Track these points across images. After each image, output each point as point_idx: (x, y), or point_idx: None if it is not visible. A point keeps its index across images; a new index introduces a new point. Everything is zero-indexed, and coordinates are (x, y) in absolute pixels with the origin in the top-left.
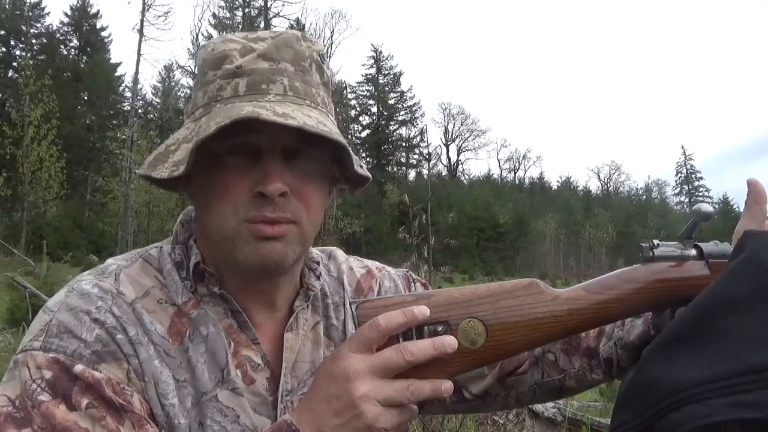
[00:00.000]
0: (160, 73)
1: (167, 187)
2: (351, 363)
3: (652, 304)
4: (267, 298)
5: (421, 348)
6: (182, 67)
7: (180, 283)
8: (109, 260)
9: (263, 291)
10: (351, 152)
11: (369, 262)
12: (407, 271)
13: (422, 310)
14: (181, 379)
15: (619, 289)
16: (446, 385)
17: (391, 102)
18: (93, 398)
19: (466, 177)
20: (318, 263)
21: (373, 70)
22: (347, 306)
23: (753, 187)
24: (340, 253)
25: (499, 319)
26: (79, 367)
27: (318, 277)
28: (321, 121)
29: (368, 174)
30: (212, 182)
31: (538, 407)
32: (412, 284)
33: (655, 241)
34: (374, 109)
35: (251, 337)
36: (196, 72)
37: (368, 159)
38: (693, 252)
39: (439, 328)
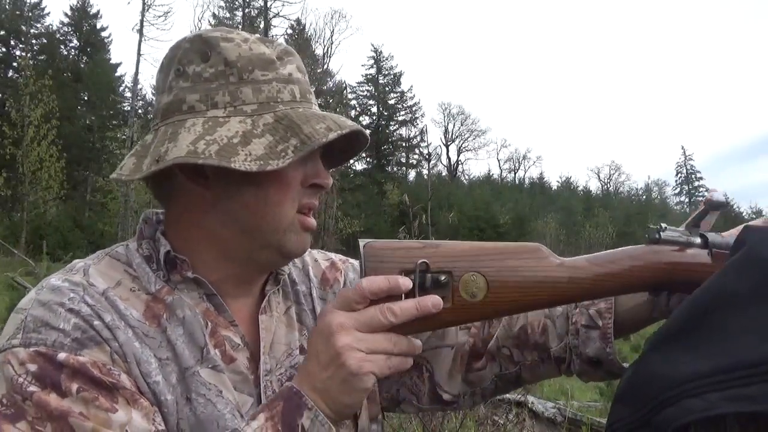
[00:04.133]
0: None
1: (154, 180)
2: (334, 317)
3: (649, 284)
4: (250, 284)
5: (403, 308)
6: None
7: (152, 273)
8: (75, 260)
9: (255, 279)
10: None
11: (332, 255)
12: None
13: (406, 283)
14: (163, 357)
15: (620, 265)
16: (418, 343)
17: (391, 102)
18: (82, 382)
19: (466, 177)
20: None
21: (373, 71)
22: (314, 295)
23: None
24: None
25: (501, 276)
26: (62, 355)
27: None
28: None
29: None
30: (273, 176)
31: (539, 407)
32: None
33: (663, 225)
34: (374, 109)
35: (229, 318)
36: (202, 60)
37: (368, 159)
38: (698, 240)
39: (442, 278)
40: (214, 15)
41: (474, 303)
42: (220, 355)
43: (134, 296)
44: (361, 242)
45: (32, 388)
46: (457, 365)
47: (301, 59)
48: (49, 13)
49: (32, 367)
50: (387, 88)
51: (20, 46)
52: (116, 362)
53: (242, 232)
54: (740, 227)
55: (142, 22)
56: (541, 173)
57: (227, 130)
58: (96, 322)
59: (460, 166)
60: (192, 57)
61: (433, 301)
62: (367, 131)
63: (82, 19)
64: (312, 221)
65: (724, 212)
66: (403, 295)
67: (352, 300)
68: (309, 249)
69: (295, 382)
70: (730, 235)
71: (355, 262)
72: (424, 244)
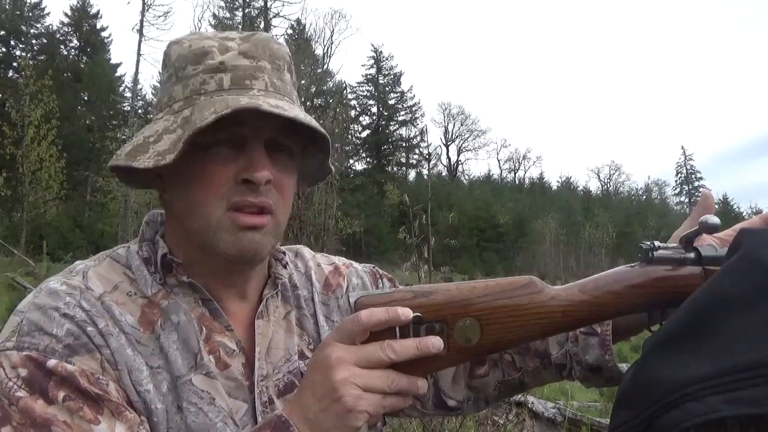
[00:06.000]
0: (159, 73)
1: (137, 183)
2: (333, 350)
3: (645, 306)
4: (238, 289)
5: (404, 347)
6: None
7: (149, 276)
8: (77, 261)
9: (236, 282)
10: (330, 146)
11: (336, 259)
12: (374, 267)
13: (405, 312)
14: (155, 365)
15: (614, 290)
16: (421, 383)
17: (392, 102)
18: (69, 391)
19: (466, 177)
20: (284, 253)
21: (373, 71)
22: (316, 300)
23: (704, 200)
24: (306, 251)
25: (495, 318)
26: (52, 362)
27: (285, 266)
28: (306, 115)
29: (332, 168)
30: (196, 172)
31: (539, 407)
32: (379, 280)
33: (656, 243)
34: (374, 110)
35: (224, 324)
36: (163, 68)
37: (368, 159)
38: (691, 255)
39: (436, 326)
40: (214, 15)
41: (470, 347)
42: (215, 361)
43: (130, 301)
44: (352, 297)
45: (20, 394)
46: (461, 372)
47: (302, 59)
48: (49, 13)
49: (23, 372)
50: (387, 88)
51: (20, 46)
52: (106, 370)
53: (187, 232)
54: (735, 227)
55: (142, 22)
56: (541, 173)
57: (150, 130)
58: (89, 328)
59: (460, 166)
60: (162, 65)
61: (433, 342)
62: (313, 121)
63: (82, 19)
64: (247, 220)
65: (725, 212)
66: (398, 334)
67: (353, 333)
68: (313, 253)
69: (284, 411)
70: (724, 239)
71: (359, 266)
72: (414, 293)
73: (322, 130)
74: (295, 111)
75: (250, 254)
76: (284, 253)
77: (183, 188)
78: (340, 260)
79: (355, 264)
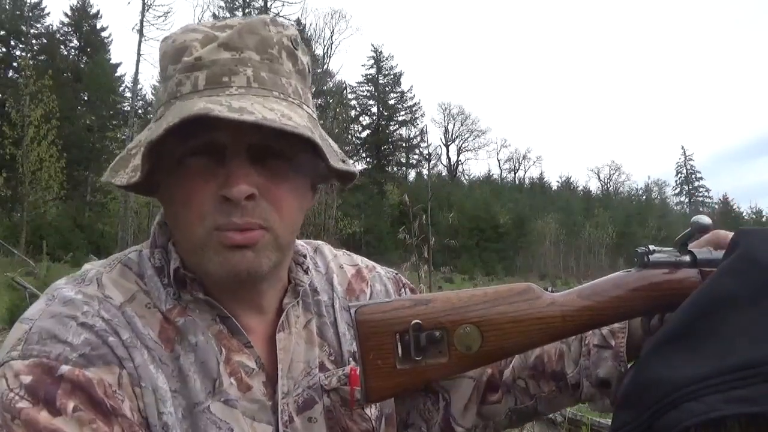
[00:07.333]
0: (160, 73)
1: (142, 192)
2: None
3: (644, 310)
4: (253, 303)
5: None
6: None
7: (163, 289)
8: (86, 266)
9: (246, 297)
10: (328, 145)
11: (359, 260)
12: (396, 274)
13: None
14: (173, 388)
15: (611, 295)
16: None
17: (392, 102)
18: (81, 400)
19: (466, 177)
20: (305, 256)
21: (373, 71)
22: (336, 307)
23: (714, 238)
24: (327, 249)
25: (495, 325)
26: (65, 368)
27: (306, 272)
28: (286, 114)
29: (352, 168)
30: (176, 188)
31: None
32: (402, 289)
33: (651, 247)
34: (374, 110)
35: (243, 341)
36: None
37: (368, 159)
38: (687, 258)
39: (437, 334)
40: (214, 15)
41: (470, 354)
42: (236, 383)
43: (150, 314)
44: (351, 308)
45: (21, 404)
46: (473, 398)
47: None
48: (49, 13)
49: (26, 379)
50: (387, 88)
51: (20, 46)
52: (123, 387)
53: (183, 250)
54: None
55: (142, 22)
56: (541, 173)
57: (136, 141)
58: (111, 339)
59: (460, 166)
60: None
61: None
62: (290, 123)
63: (82, 19)
64: (236, 237)
65: (724, 213)
66: (400, 352)
67: None
68: (335, 252)
69: None
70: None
71: (382, 271)
72: (414, 302)
73: (300, 130)
74: (262, 112)
75: (244, 275)
76: (305, 255)
77: (168, 203)
78: (362, 262)
79: (378, 268)
